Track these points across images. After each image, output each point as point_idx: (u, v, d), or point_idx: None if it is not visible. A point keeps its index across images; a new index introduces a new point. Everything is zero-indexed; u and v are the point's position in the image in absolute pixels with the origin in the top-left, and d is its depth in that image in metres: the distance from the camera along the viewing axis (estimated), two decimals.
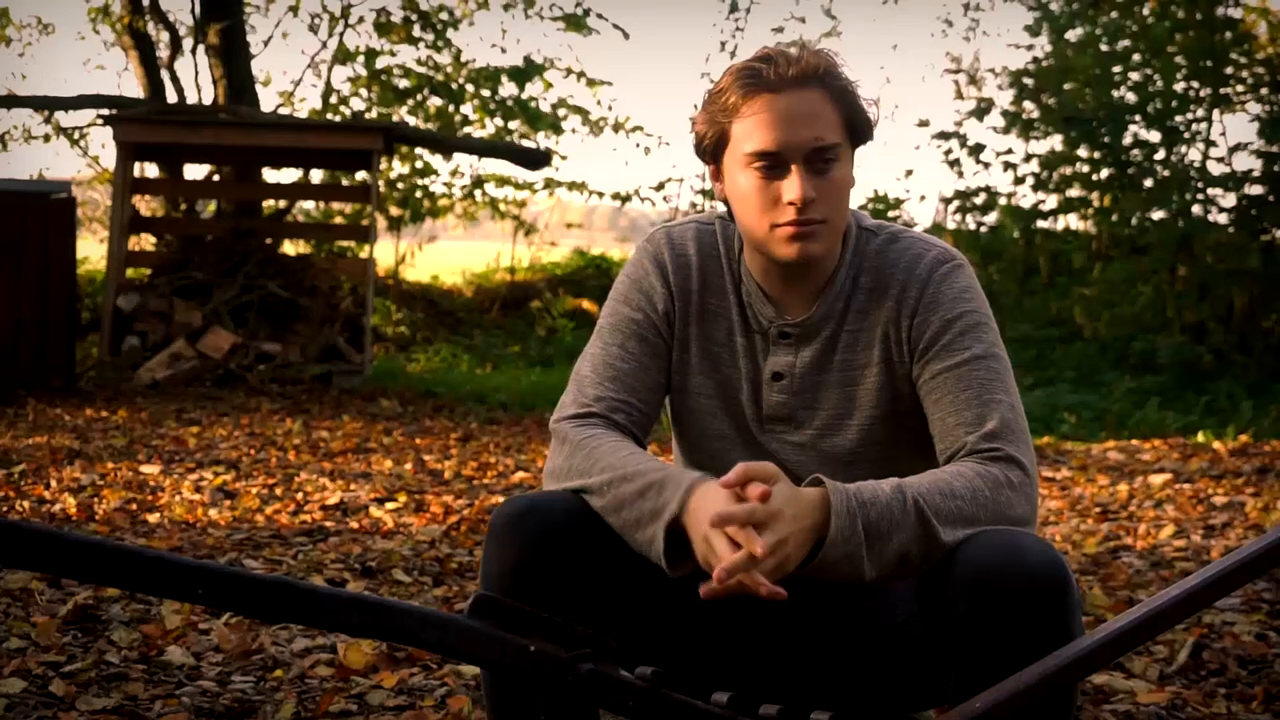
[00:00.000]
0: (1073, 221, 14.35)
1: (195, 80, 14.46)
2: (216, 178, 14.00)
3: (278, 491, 5.73)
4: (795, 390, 2.15)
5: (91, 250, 14.72)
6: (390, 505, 5.45)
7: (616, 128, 16.32)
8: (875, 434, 2.13)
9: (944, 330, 2.07)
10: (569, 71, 16.21)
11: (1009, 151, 13.77)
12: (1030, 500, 1.97)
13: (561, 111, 15.97)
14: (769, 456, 2.16)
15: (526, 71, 15.40)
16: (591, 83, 16.33)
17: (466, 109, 15.78)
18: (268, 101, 15.41)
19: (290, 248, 13.81)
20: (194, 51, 14.38)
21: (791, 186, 2.03)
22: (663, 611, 2.11)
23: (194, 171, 14.01)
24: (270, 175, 14.11)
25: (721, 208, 2.20)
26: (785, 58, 2.04)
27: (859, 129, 2.09)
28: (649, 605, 2.10)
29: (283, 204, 14.51)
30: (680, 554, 1.94)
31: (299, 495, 5.64)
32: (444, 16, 15.46)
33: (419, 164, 15.64)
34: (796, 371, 2.15)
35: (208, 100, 13.94)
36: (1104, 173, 12.98)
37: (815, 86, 2.04)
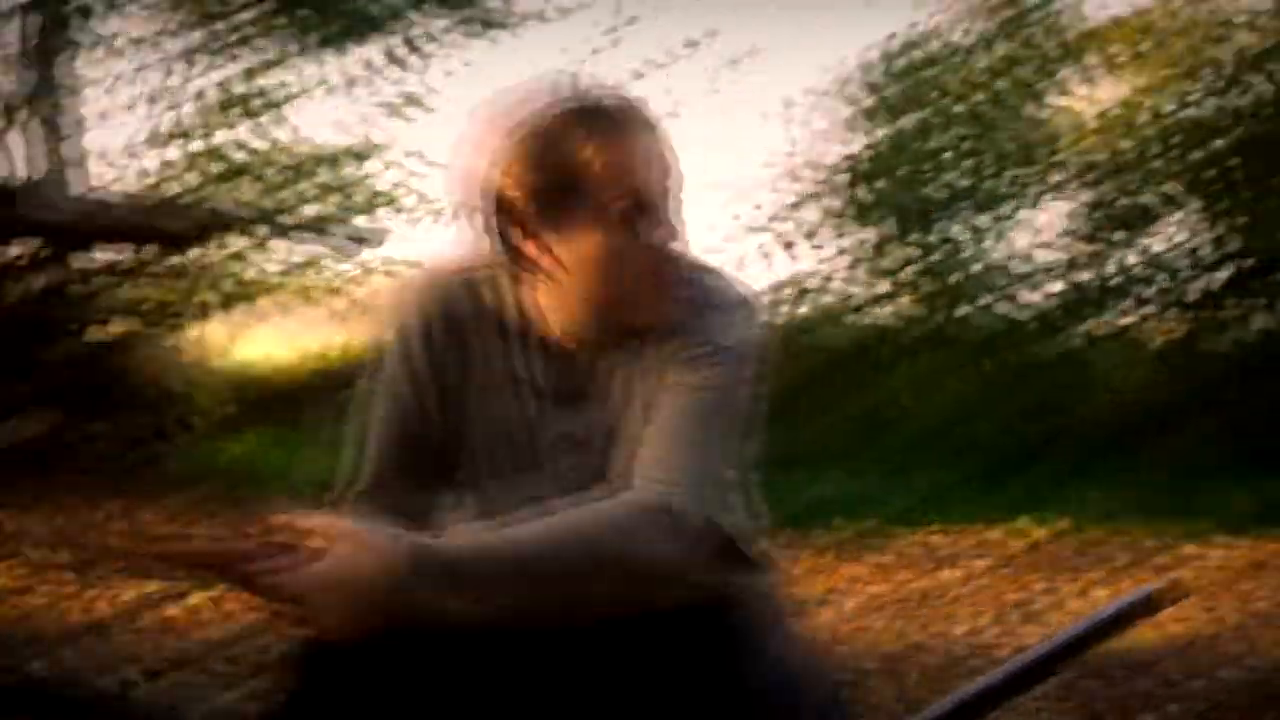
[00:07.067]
0: (887, 313, 14.46)
1: (26, 153, 14.00)
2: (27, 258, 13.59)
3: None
4: (569, 374, 2.07)
5: None
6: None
7: (456, 212, 16.20)
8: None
9: (698, 349, 1.99)
10: (408, 153, 16.13)
11: (819, 247, 13.68)
12: (673, 544, 1.85)
13: (401, 189, 15.84)
14: (542, 448, 2.08)
15: (363, 153, 15.26)
16: (430, 164, 16.25)
17: (301, 188, 15.59)
18: (98, 176, 15.03)
19: (105, 331, 13.46)
20: (25, 126, 14.02)
21: None
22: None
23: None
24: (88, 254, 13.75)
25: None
26: None
27: None
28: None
29: (99, 285, 14.13)
30: None
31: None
32: (283, 94, 15.27)
33: (245, 244, 15.37)
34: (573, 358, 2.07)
35: (38, 175, 13.58)
36: (920, 265, 13.13)
37: None
